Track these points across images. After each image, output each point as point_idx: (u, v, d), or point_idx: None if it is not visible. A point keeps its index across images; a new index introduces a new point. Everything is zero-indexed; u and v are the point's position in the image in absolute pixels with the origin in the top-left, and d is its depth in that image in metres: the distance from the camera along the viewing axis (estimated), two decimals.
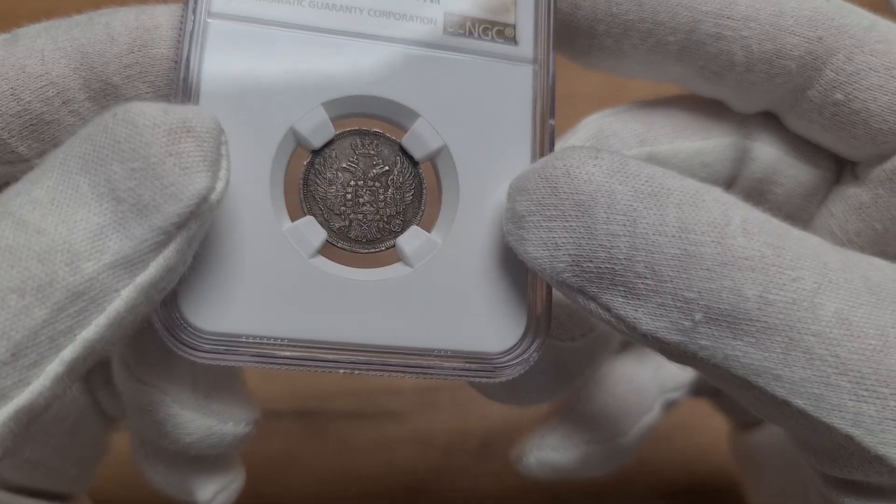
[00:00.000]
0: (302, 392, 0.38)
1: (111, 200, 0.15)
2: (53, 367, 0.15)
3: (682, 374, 0.27)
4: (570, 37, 0.21)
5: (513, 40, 0.20)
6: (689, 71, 0.21)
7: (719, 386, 0.17)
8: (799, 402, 0.15)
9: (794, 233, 0.16)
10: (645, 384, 0.26)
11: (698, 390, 0.28)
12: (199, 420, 0.20)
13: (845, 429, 0.15)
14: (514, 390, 0.21)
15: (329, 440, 0.37)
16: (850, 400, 0.15)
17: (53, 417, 0.22)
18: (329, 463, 0.36)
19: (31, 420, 0.15)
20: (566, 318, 0.20)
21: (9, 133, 0.18)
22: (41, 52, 0.18)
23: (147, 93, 0.18)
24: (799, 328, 0.15)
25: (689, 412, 0.33)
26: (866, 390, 0.15)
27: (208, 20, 0.18)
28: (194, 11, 0.18)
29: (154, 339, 0.19)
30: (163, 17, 0.18)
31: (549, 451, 0.24)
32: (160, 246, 0.15)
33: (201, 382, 0.21)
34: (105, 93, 0.18)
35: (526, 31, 0.20)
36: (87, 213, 0.15)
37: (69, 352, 0.15)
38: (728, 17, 0.19)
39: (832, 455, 0.16)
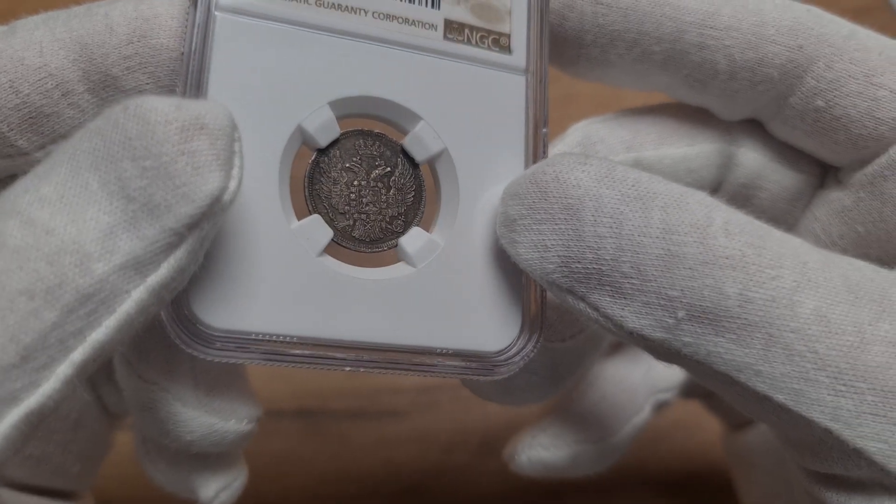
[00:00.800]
0: (303, 391, 0.38)
1: (122, 199, 0.15)
2: (63, 370, 0.14)
3: (672, 376, 0.27)
4: (558, 47, 0.21)
5: (507, 49, 0.20)
6: (675, 80, 0.21)
7: (703, 383, 0.17)
8: (779, 397, 0.16)
9: (776, 234, 0.17)
10: (635, 385, 0.26)
11: (689, 392, 0.28)
12: (200, 418, 0.20)
13: (824, 423, 0.16)
14: (507, 390, 0.21)
15: (330, 439, 0.37)
16: (828, 395, 0.16)
17: (57, 414, 0.22)
18: (330, 462, 0.37)
19: (40, 421, 0.15)
20: (557, 320, 0.21)
21: (7, 126, 0.18)
22: (39, 44, 0.18)
23: (147, 84, 0.18)
24: (778, 325, 0.16)
25: (688, 411, 0.33)
26: (844, 385, 0.15)
27: (216, 13, 0.18)
28: (202, 4, 0.18)
29: (156, 338, 0.19)
30: (162, 7, 0.18)
31: (541, 450, 0.25)
32: (171, 247, 0.15)
33: (203, 380, 0.20)
34: (105, 84, 0.18)
35: (520, 41, 0.20)
36: (97, 212, 0.15)
37: (79, 354, 0.15)
38: (711, 28, 0.20)
39: (813, 449, 0.17)
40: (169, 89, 0.18)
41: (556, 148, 0.22)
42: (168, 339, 0.17)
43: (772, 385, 0.16)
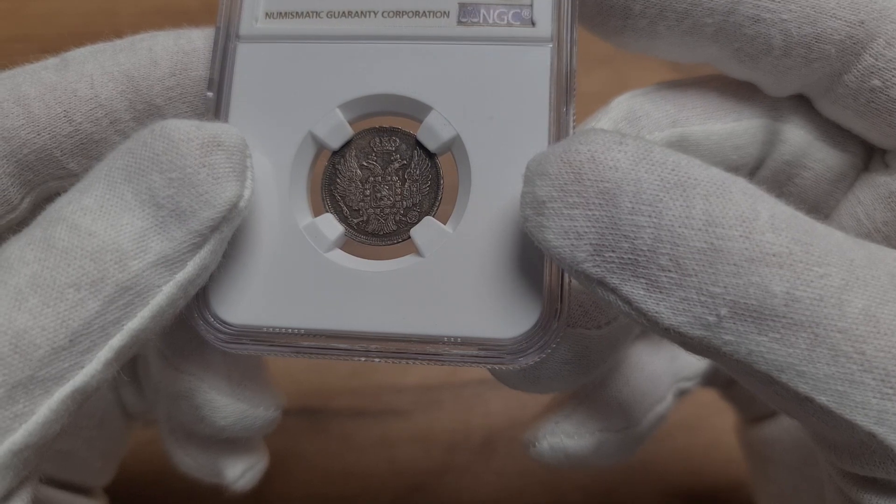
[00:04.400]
0: (306, 390, 0.38)
1: (152, 206, 0.17)
2: (104, 354, 0.17)
3: (695, 364, 0.26)
4: (603, 16, 0.20)
5: (529, 21, 0.20)
6: (724, 53, 0.20)
7: (740, 380, 0.17)
8: (822, 399, 0.15)
9: (820, 228, 0.16)
10: (659, 373, 0.25)
11: (709, 381, 0.28)
12: (233, 405, 0.22)
13: (868, 426, 0.15)
14: (535, 379, 0.20)
15: (332, 438, 0.37)
16: (874, 397, 0.15)
17: (84, 412, 0.23)
18: (332, 460, 0.37)
19: (83, 400, 0.17)
20: (591, 307, 0.20)
21: (61, 151, 0.20)
22: (90, 77, 0.20)
23: (186, 112, 0.20)
24: (825, 325, 0.15)
25: (692, 411, 0.33)
26: (891, 388, 0.15)
27: (236, 43, 0.20)
28: (224, 36, 0.20)
29: (189, 331, 0.20)
30: (200, 41, 0.20)
31: (563, 438, 0.24)
32: (196, 247, 0.17)
33: (234, 371, 0.22)
34: (149, 113, 0.20)
35: (544, 11, 0.20)
36: (132, 217, 0.17)
37: (117, 340, 0.17)
38: None
39: (853, 452, 0.16)
40: (202, 115, 0.20)
41: (599, 122, 0.21)
42: (201, 336, 0.19)
43: (815, 386, 0.15)
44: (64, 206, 0.17)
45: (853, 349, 0.15)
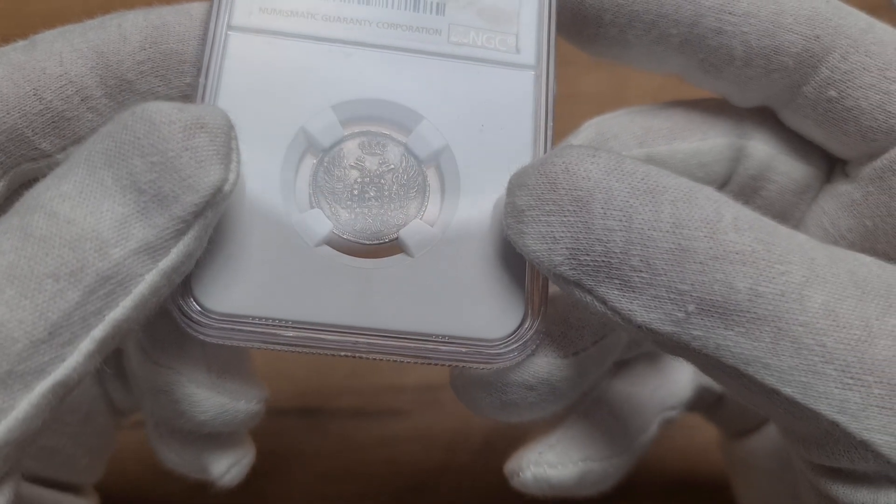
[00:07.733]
0: (305, 390, 0.38)
1: (134, 192, 0.16)
2: (86, 345, 0.16)
3: (679, 393, 0.27)
4: (577, 25, 0.21)
5: (515, 48, 0.21)
6: (690, 63, 0.21)
7: (710, 376, 0.17)
8: (787, 390, 0.16)
9: (783, 230, 0.17)
10: (643, 403, 0.26)
11: (692, 406, 0.28)
12: (213, 398, 0.21)
13: (831, 415, 0.16)
14: (504, 406, 0.21)
15: (332, 438, 0.37)
16: (835, 387, 0.16)
17: (68, 407, 0.23)
18: (332, 460, 0.37)
19: (65, 394, 0.16)
20: (559, 336, 0.20)
21: (32, 131, 0.19)
22: (59, 55, 0.19)
23: (159, 86, 0.20)
24: (787, 319, 0.16)
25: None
26: (851, 378, 0.16)
27: (229, 32, 0.20)
28: (217, 24, 0.20)
29: (169, 324, 0.20)
30: (170, 16, 0.20)
31: (547, 468, 0.24)
32: (180, 233, 0.17)
33: (214, 363, 0.22)
34: (120, 88, 0.20)
35: (528, 40, 0.21)
36: (113, 204, 0.16)
37: (99, 331, 0.16)
38: (729, 13, 0.20)
39: (819, 443, 0.17)
40: (178, 90, 0.20)
41: (569, 143, 0.22)
42: (180, 326, 0.19)
43: (780, 378, 0.16)
44: (42, 193, 0.16)
45: (814, 342, 0.16)
